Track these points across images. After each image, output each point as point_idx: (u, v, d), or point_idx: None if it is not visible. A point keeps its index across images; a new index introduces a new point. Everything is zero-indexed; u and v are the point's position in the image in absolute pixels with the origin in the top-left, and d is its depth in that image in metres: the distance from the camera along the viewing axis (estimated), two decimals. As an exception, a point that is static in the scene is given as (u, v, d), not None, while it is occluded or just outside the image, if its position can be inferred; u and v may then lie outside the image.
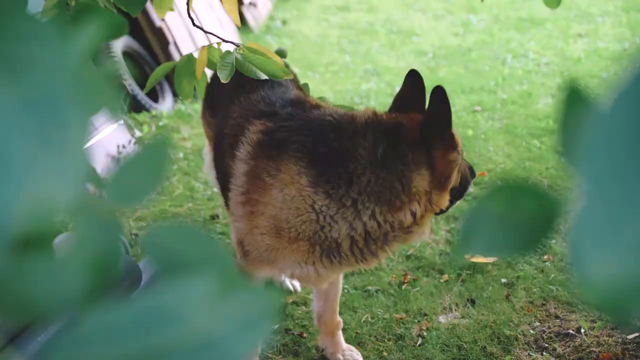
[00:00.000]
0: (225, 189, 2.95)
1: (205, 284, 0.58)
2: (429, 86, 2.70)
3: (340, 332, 3.35)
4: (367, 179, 2.59)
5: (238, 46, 2.65)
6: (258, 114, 2.92)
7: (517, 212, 0.74)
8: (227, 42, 2.74)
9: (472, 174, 2.99)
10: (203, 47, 2.69)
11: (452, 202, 2.79)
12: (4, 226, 0.48)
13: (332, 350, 3.31)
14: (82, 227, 0.63)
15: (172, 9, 2.77)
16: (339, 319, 3.34)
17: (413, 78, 2.79)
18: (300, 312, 3.70)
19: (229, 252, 3.02)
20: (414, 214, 2.66)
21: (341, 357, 3.29)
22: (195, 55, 2.67)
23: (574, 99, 0.70)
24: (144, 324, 0.55)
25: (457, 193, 2.85)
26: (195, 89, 2.77)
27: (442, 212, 2.78)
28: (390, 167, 2.60)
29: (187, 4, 2.82)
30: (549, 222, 0.73)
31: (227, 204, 2.99)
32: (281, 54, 2.87)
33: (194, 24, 2.79)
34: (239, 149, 2.82)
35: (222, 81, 2.40)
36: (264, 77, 2.43)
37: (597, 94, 0.71)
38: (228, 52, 2.44)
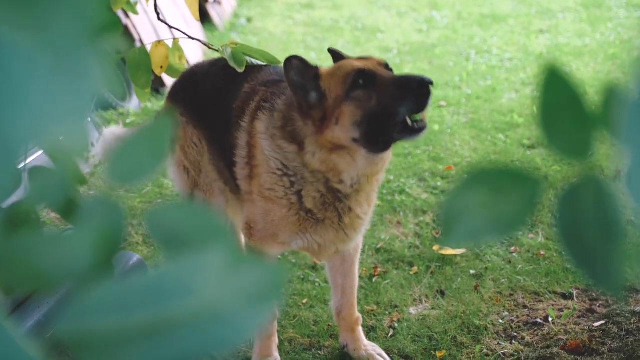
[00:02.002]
0: (230, 168, 3.02)
1: (215, 257, 0.58)
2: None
3: (360, 328, 3.33)
4: (280, 117, 2.76)
5: (205, 44, 2.67)
6: (265, 82, 3.04)
7: (497, 195, 0.75)
8: (193, 38, 2.74)
9: (410, 92, 2.53)
10: (157, 41, 2.69)
11: (379, 130, 2.57)
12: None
13: (355, 347, 3.29)
14: (88, 205, 0.64)
15: (135, 12, 2.76)
16: (358, 314, 3.32)
17: (334, 54, 2.98)
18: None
19: (232, 229, 3.02)
20: (314, 154, 2.68)
21: (364, 353, 3.26)
22: (148, 48, 2.67)
23: (554, 81, 0.73)
24: (154, 295, 0.56)
25: (381, 119, 2.56)
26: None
27: (373, 150, 2.63)
28: (289, 108, 2.75)
29: (155, 0, 2.82)
30: (531, 201, 0.76)
31: (235, 186, 3.06)
32: None
33: (159, 18, 2.79)
34: (243, 118, 2.94)
35: (238, 70, 2.46)
36: (262, 63, 2.52)
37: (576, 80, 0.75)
38: (226, 45, 2.49)
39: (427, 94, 2.51)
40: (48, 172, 0.81)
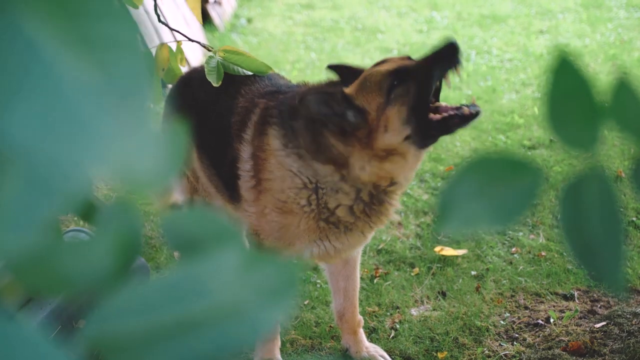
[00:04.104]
0: (232, 180, 2.99)
1: (230, 258, 0.60)
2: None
3: (361, 330, 3.33)
4: (309, 142, 2.70)
5: (205, 47, 2.67)
6: (263, 94, 3.00)
7: (496, 183, 0.75)
8: (193, 41, 2.75)
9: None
10: (162, 44, 2.69)
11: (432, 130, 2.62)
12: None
13: (356, 349, 3.29)
14: (107, 211, 0.65)
15: (136, 6, 2.78)
16: (360, 316, 3.32)
17: (337, 69, 2.90)
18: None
19: (244, 235, 3.00)
20: (363, 168, 2.66)
21: (366, 355, 3.26)
22: (153, 52, 2.68)
23: (565, 70, 0.73)
24: (174, 296, 0.58)
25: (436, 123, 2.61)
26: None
27: (423, 144, 2.65)
28: (317, 134, 2.68)
29: (155, 0, 2.83)
30: (532, 191, 0.75)
31: (233, 197, 3.04)
32: None
33: (159, 20, 2.79)
34: (246, 131, 2.91)
35: (214, 85, 2.43)
36: (249, 73, 2.50)
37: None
38: (211, 56, 2.47)
39: (457, 53, 2.60)
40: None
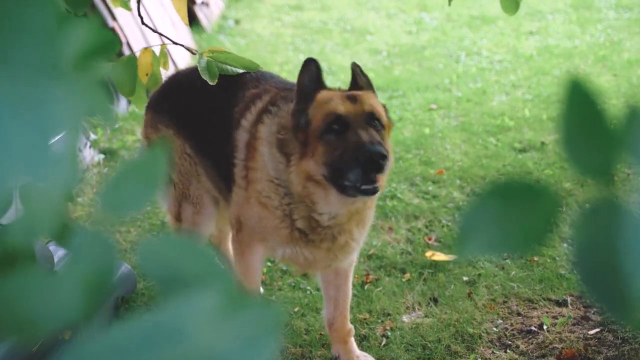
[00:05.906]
0: (229, 169, 2.97)
1: (209, 300, 0.56)
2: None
3: (352, 339, 3.27)
4: (280, 123, 2.76)
5: (189, 50, 2.62)
6: (279, 87, 3.06)
7: (516, 210, 0.74)
8: (177, 44, 2.68)
9: (365, 154, 2.50)
10: (145, 48, 2.64)
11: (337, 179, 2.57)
12: None
13: (347, 358, 3.24)
14: (77, 242, 0.60)
15: (129, 9, 2.72)
16: (351, 325, 3.27)
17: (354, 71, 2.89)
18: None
19: (229, 269, 3.03)
20: (295, 175, 2.66)
21: None
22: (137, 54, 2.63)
23: (577, 96, 0.70)
24: (148, 342, 0.53)
25: (338, 169, 2.56)
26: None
27: (342, 192, 2.59)
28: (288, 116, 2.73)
29: (138, 2, 2.76)
30: (549, 219, 0.74)
31: (229, 185, 3.02)
32: None
33: (142, 23, 2.73)
34: (246, 117, 2.91)
35: (210, 83, 2.41)
36: (240, 71, 2.47)
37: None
38: (200, 55, 2.43)
39: (375, 169, 2.48)
40: (40, 194, 0.76)
